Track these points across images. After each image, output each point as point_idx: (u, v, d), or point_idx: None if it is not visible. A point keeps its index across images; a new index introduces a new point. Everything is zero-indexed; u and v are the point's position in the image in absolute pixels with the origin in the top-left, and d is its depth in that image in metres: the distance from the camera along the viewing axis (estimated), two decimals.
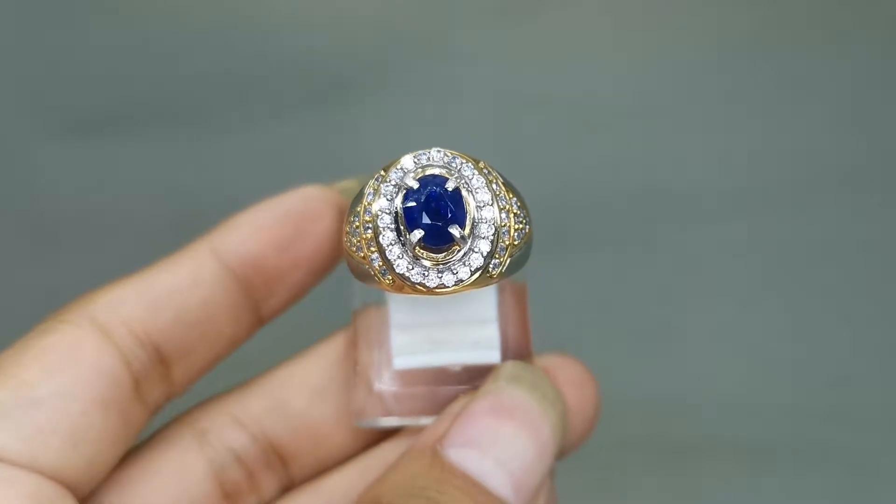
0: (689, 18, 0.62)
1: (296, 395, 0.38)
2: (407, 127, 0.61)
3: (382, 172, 0.32)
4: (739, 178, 0.61)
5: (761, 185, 0.61)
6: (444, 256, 0.31)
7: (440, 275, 0.31)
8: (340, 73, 0.61)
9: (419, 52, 0.61)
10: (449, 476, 0.31)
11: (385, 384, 0.36)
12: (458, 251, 0.31)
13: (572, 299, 0.60)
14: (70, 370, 0.33)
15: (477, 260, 0.31)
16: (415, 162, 0.31)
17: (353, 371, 0.37)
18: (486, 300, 0.36)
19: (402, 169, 0.31)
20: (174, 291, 0.35)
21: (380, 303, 0.37)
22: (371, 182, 0.32)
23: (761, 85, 0.62)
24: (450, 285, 0.31)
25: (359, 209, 0.31)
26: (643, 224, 0.61)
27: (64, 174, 0.61)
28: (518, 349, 0.36)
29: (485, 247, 0.31)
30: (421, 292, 0.31)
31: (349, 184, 0.39)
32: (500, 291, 0.36)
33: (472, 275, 0.31)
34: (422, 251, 0.31)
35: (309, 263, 0.37)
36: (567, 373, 0.37)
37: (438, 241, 0.31)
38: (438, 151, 0.32)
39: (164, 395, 0.36)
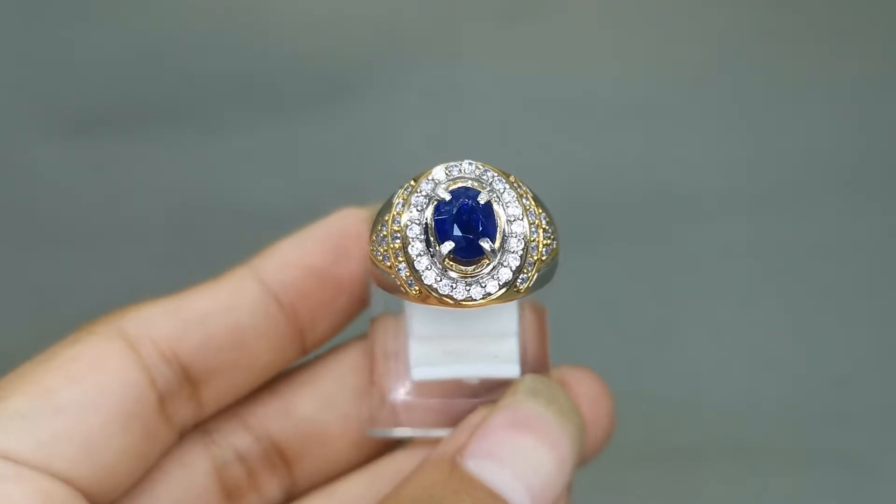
0: (690, 19, 0.62)
1: (305, 400, 0.38)
2: (408, 127, 0.61)
3: (412, 182, 0.31)
4: (740, 178, 0.61)
5: (761, 185, 0.61)
6: (473, 269, 0.31)
7: (468, 287, 0.31)
8: (341, 74, 0.61)
9: (420, 53, 0.61)
10: (467, 487, 0.31)
11: (400, 395, 0.36)
12: (488, 265, 0.31)
13: (572, 299, 0.60)
14: (93, 381, 0.33)
15: (506, 274, 0.31)
16: (446, 174, 0.31)
17: (367, 379, 0.37)
18: (507, 314, 0.35)
19: (433, 180, 0.31)
20: (206, 314, 0.35)
21: (398, 312, 0.36)
22: (400, 192, 0.31)
23: (761, 85, 0.62)
24: (477, 298, 0.31)
25: (387, 218, 0.31)
26: (643, 224, 0.61)
27: (64, 174, 0.61)
28: (536, 364, 0.36)
29: (514, 261, 0.31)
30: (448, 304, 0.31)
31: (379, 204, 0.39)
32: (521, 307, 0.36)
33: (500, 289, 0.31)
34: (451, 263, 0.31)
35: (352, 287, 0.37)
36: (583, 386, 0.37)
37: (468, 254, 0.31)
38: (470, 164, 0.31)
39: (193, 417, 0.36)
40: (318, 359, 0.39)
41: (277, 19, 0.62)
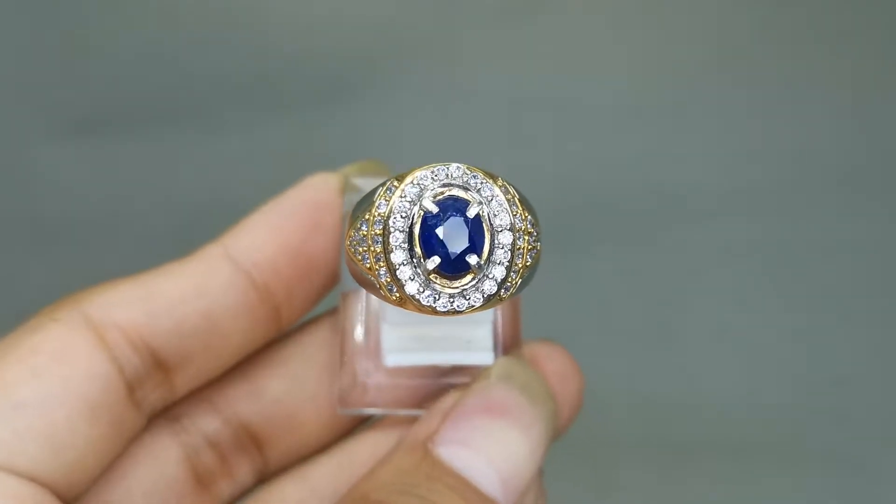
0: (689, 19, 0.62)
1: (273, 381, 0.37)
2: (407, 127, 0.61)
3: (396, 183, 0.29)
4: (739, 178, 0.61)
5: (761, 185, 0.61)
6: (458, 283, 0.29)
7: (451, 300, 0.29)
8: (341, 74, 0.61)
9: (419, 53, 0.61)
10: (439, 473, 0.31)
11: (372, 375, 0.35)
12: (473, 278, 0.29)
13: (572, 299, 0.60)
14: (57, 374, 0.31)
15: (491, 287, 0.29)
16: (433, 178, 0.29)
17: (337, 357, 0.36)
18: None
19: (418, 184, 0.29)
20: (176, 299, 0.34)
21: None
22: (381, 190, 0.30)
23: (761, 85, 0.62)
24: (461, 310, 0.29)
25: (367, 217, 0.29)
26: (643, 224, 0.61)
27: (64, 174, 0.61)
28: (507, 342, 0.35)
29: (500, 273, 0.29)
30: (428, 314, 0.30)
31: (350, 169, 0.37)
32: None
33: (484, 301, 0.30)
34: (435, 277, 0.29)
35: (326, 262, 0.36)
36: (553, 363, 0.36)
37: (455, 269, 0.29)
38: (458, 168, 0.29)
39: (162, 401, 0.35)
40: (285, 336, 0.38)
41: (277, 20, 0.62)
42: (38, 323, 0.32)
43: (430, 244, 0.29)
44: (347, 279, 0.35)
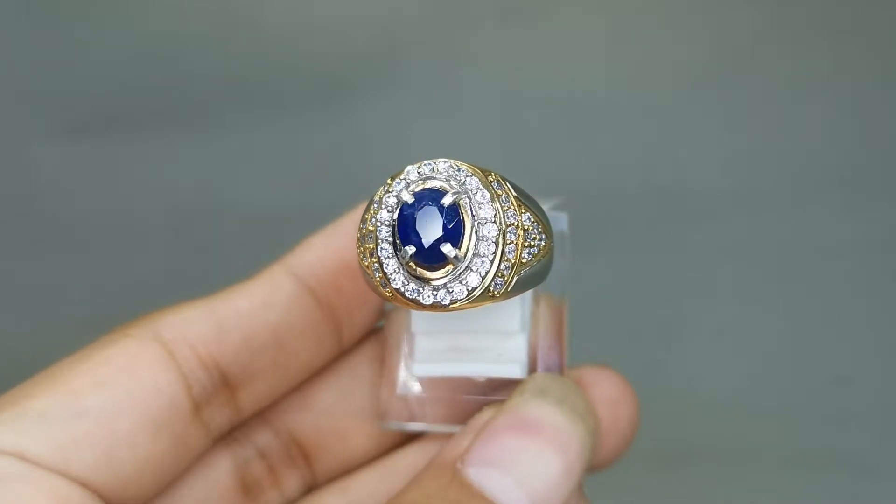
0: (690, 20, 0.62)
1: (323, 394, 0.37)
2: (407, 127, 0.61)
3: (389, 181, 0.30)
4: (740, 178, 0.61)
5: (761, 185, 0.61)
6: (440, 274, 0.29)
7: (435, 292, 0.29)
8: (341, 74, 0.61)
9: (419, 53, 0.61)
10: (467, 497, 0.30)
11: (408, 389, 0.35)
12: (454, 269, 0.29)
13: (572, 299, 0.60)
14: (124, 385, 0.32)
15: (474, 279, 0.29)
16: (418, 173, 0.30)
17: (381, 372, 0.36)
18: (513, 311, 0.34)
19: (405, 179, 0.30)
20: (243, 315, 0.34)
21: None
22: (379, 190, 0.30)
23: (761, 85, 0.62)
24: (446, 303, 0.29)
25: (366, 217, 0.30)
26: (643, 224, 0.61)
27: (64, 174, 0.61)
28: (548, 363, 0.34)
29: (483, 266, 0.29)
30: (415, 308, 0.30)
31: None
32: (535, 303, 0.34)
33: (469, 294, 0.29)
34: (414, 268, 0.29)
35: None
36: (602, 386, 0.36)
37: (430, 259, 0.29)
38: (445, 162, 0.30)
39: (229, 422, 0.35)
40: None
41: (277, 20, 0.62)
42: (110, 338, 0.33)
43: (405, 233, 0.29)
44: None
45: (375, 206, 0.30)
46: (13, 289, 0.60)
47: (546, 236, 0.30)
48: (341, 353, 0.37)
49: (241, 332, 0.34)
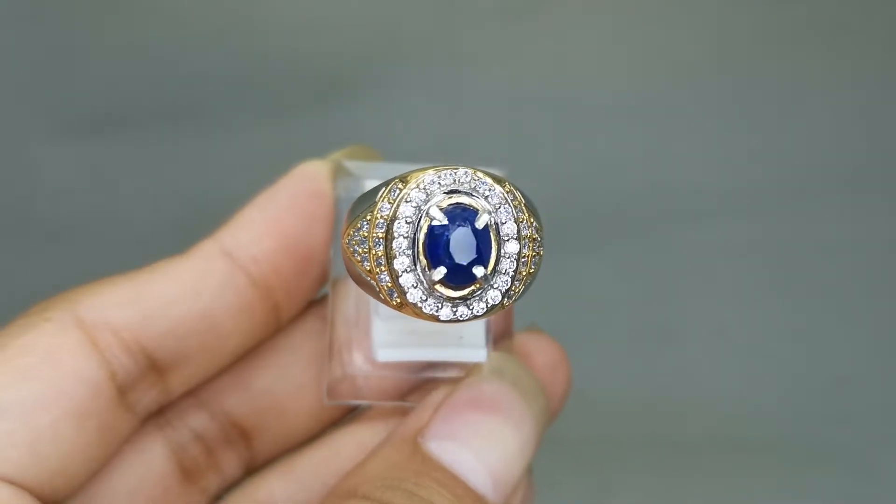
0: (689, 19, 0.62)
1: (260, 372, 0.36)
2: (407, 127, 0.61)
3: (400, 185, 0.29)
4: (739, 178, 0.61)
5: (761, 185, 0.61)
6: (461, 293, 0.29)
7: (455, 309, 0.29)
8: (341, 74, 0.61)
9: (420, 54, 0.61)
10: (428, 468, 0.31)
11: (360, 367, 0.34)
12: (479, 288, 0.29)
13: (572, 299, 0.60)
14: (45, 377, 0.30)
15: (495, 297, 0.29)
16: (439, 182, 0.29)
17: (325, 347, 0.35)
18: None
19: (424, 189, 0.29)
20: (171, 300, 0.32)
21: None
22: (384, 191, 0.29)
23: (761, 85, 0.62)
24: (463, 319, 0.29)
25: (368, 218, 0.29)
26: (643, 224, 0.61)
27: (64, 174, 0.61)
28: (498, 333, 0.35)
29: (504, 283, 0.29)
30: (429, 321, 0.29)
31: (339, 155, 0.37)
32: None
33: (487, 310, 0.29)
34: (440, 286, 0.29)
35: (322, 254, 0.34)
36: (542, 355, 0.36)
37: (459, 280, 0.29)
38: (466, 173, 0.29)
39: (157, 403, 0.34)
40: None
41: (277, 20, 0.62)
42: (29, 322, 0.31)
43: (437, 255, 0.28)
44: (337, 266, 0.35)
45: (385, 209, 0.29)
46: (13, 289, 0.60)
47: (542, 243, 0.30)
48: (279, 330, 0.36)
49: (168, 319, 0.32)
